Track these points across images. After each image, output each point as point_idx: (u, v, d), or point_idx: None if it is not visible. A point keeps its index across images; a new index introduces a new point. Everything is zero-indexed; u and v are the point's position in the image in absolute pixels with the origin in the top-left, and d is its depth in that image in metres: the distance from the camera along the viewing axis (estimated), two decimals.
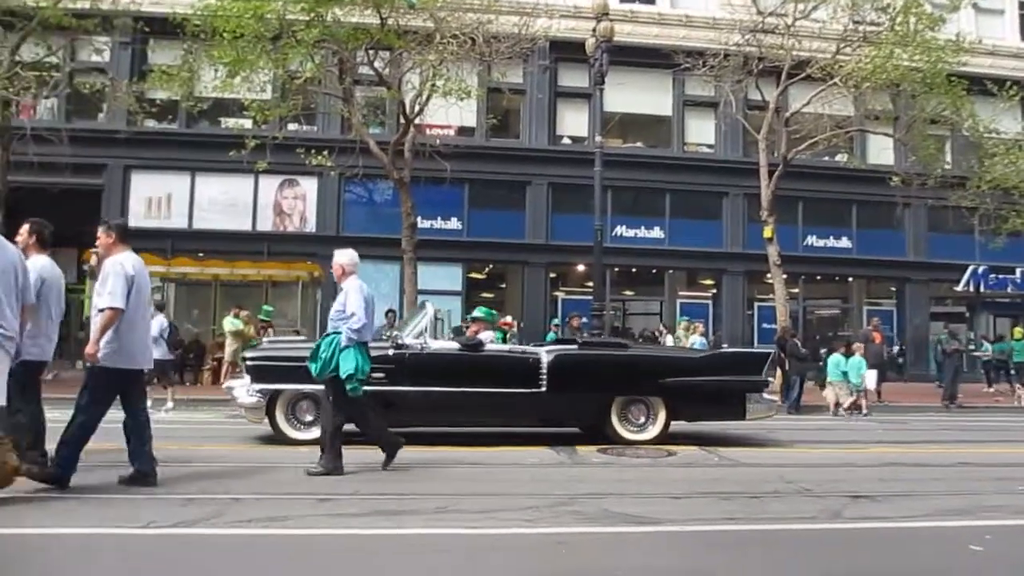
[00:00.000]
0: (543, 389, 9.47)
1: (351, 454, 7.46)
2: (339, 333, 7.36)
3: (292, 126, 20.71)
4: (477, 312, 11.70)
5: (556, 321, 20.53)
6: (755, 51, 19.57)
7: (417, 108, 17.24)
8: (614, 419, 9.72)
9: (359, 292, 7.45)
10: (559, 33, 20.88)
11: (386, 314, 17.99)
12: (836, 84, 18.79)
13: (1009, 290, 25.69)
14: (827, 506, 6.37)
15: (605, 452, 9.08)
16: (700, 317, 21.83)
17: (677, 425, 10.14)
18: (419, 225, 18.75)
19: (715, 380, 10.06)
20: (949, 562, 5.02)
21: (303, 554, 4.82)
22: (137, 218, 21.68)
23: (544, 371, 9.50)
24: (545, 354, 9.73)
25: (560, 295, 24.23)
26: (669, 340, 20.08)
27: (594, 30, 16.58)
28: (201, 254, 21.78)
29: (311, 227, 22.79)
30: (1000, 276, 25.08)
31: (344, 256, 7.73)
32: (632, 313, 25.13)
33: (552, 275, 24.21)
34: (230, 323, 17.56)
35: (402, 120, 17.85)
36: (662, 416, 9.80)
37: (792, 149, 19.43)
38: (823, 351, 19.10)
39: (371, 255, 22.04)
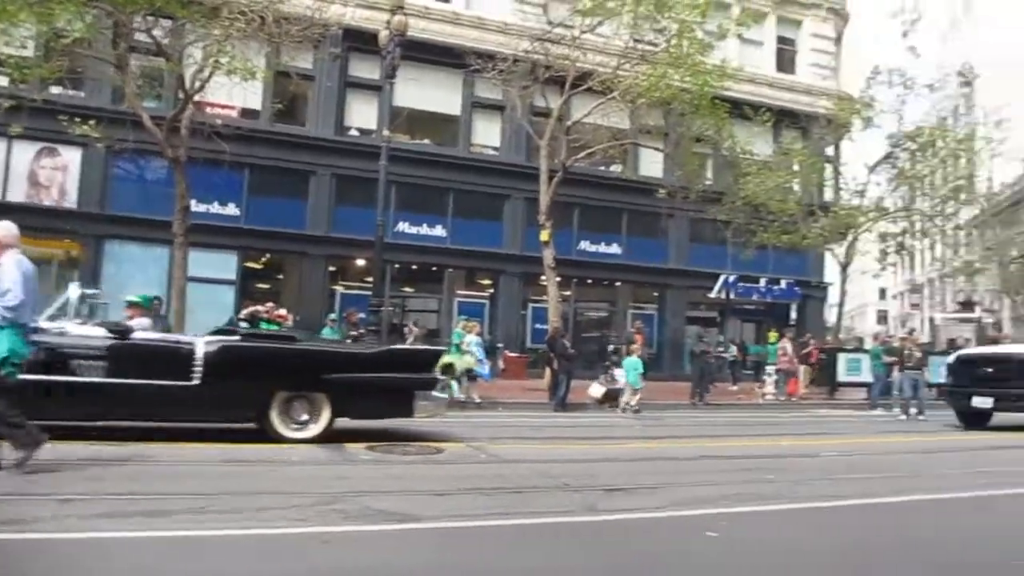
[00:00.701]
0: (197, 382, 8.82)
1: (92, 451, 6.94)
2: None
3: (55, 89, 19.13)
4: (132, 297, 10.93)
5: (333, 315, 20.18)
6: (542, 59, 20.24)
7: (198, 84, 16.28)
8: (274, 416, 9.21)
9: (16, 267, 6.68)
10: (353, 22, 20.56)
11: (152, 300, 16.86)
12: (614, 98, 19.76)
13: (754, 298, 28.28)
14: (584, 499, 6.68)
15: (373, 450, 9.00)
16: (477, 316, 22.27)
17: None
18: (193, 208, 17.78)
19: (382, 377, 9.74)
20: (687, 547, 5.42)
21: (49, 560, 4.45)
22: None
23: (199, 363, 8.86)
24: (202, 344, 9.13)
25: (339, 289, 23.87)
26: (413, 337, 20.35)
27: (388, 22, 16.47)
28: None
29: (72, 202, 21.10)
30: (747, 285, 27.56)
31: (0, 229, 6.97)
32: (411, 310, 25.17)
33: (332, 268, 23.84)
34: None
35: (180, 95, 16.82)
36: (326, 413, 9.40)
37: (571, 157, 20.24)
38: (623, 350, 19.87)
39: (139, 236, 20.90)
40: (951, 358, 16.55)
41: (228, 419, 9.53)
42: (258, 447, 8.69)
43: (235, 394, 9.13)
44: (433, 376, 10.40)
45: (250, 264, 23.41)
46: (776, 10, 30.15)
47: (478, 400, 16.20)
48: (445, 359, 16.38)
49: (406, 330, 21.07)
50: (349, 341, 16.14)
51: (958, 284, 44.87)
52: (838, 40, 31.84)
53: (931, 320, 47.32)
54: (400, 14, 16.34)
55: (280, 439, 9.07)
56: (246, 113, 22.16)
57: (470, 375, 16.37)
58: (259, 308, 16.78)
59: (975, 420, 14.82)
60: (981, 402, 14.46)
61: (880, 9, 51.95)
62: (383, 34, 16.54)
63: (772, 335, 23.44)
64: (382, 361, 10.11)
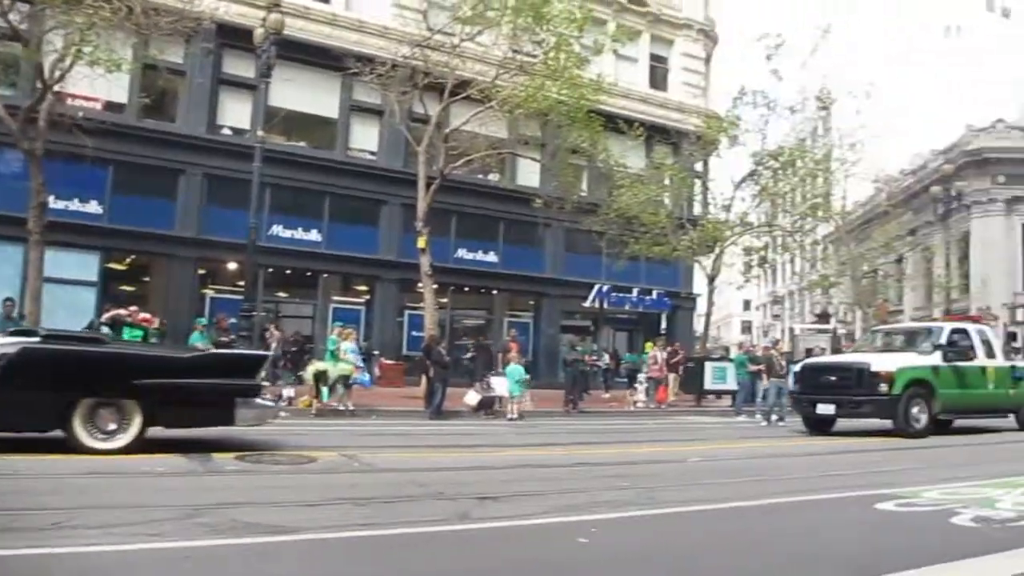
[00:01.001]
0: None
1: None
2: None
3: None
4: None
5: (203, 320, 19.49)
6: (422, 65, 20.21)
7: (58, 73, 15.42)
8: (77, 425, 8.50)
9: None
10: (227, 17, 20.01)
11: (4, 302, 15.87)
12: (493, 107, 19.96)
13: (627, 308, 29.03)
14: (457, 508, 6.67)
15: (242, 459, 8.73)
16: (353, 322, 21.99)
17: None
18: (52, 205, 16.89)
19: (199, 383, 9.28)
20: (557, 555, 5.49)
21: None
22: None
23: None
24: None
25: (209, 293, 23.08)
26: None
27: (264, 20, 16.08)
28: None
29: None
30: (620, 295, 28.24)
31: None
32: (285, 316, 24.60)
33: (202, 271, 23.02)
34: None
35: (39, 84, 15.88)
36: (137, 421, 8.79)
37: (449, 164, 20.29)
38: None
39: None
40: (798, 366, 17.38)
41: (24, 428, 8.80)
42: (123, 459, 8.29)
43: (31, 401, 8.41)
44: (256, 382, 9.94)
45: (113, 265, 22.33)
46: (650, 29, 31.14)
47: (352, 408, 15.98)
48: (319, 366, 16.14)
49: (267, 334, 20.54)
50: (213, 348, 15.58)
51: (815, 296, 47.42)
52: (708, 60, 33.19)
53: (791, 330, 49.72)
54: (276, 12, 16.06)
55: (82, 450, 8.44)
56: (111, 106, 21.17)
57: (346, 382, 16.10)
58: (121, 312, 16.09)
59: (819, 425, 15.59)
60: (824, 409, 15.21)
61: (747, 32, 54.58)
62: (258, 32, 16.17)
63: (648, 345, 24.13)
64: (199, 366, 9.65)
